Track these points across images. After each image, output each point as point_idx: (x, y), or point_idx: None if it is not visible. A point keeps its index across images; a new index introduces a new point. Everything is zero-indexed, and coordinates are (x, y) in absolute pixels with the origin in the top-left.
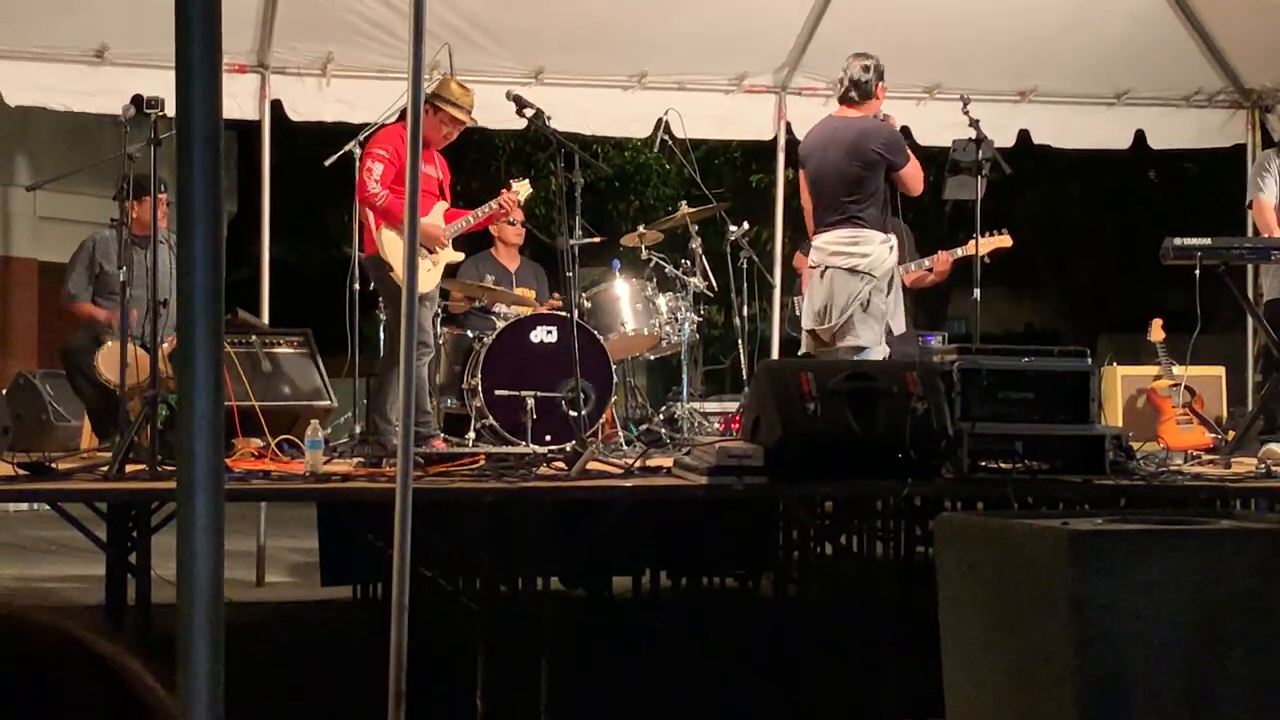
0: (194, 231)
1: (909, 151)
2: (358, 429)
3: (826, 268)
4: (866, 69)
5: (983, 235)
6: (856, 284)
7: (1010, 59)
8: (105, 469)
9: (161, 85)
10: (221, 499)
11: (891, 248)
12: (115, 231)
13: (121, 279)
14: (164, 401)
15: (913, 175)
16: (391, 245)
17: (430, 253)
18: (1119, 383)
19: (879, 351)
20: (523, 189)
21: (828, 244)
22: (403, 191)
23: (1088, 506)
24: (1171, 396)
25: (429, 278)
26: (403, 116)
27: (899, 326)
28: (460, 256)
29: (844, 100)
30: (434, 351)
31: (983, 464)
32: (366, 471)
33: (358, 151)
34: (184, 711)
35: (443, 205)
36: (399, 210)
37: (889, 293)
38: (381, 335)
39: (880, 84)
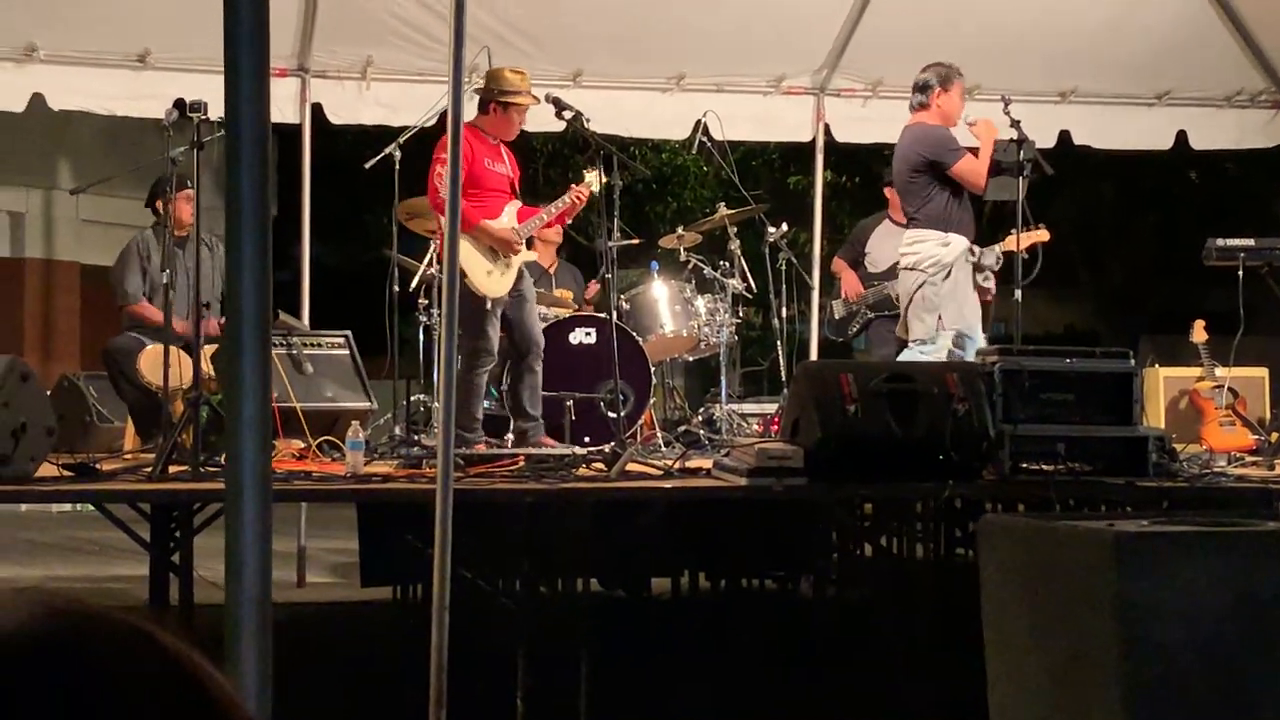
0: (242, 236)
1: (960, 149)
2: (398, 430)
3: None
4: (926, 78)
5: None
6: (910, 281)
7: (1051, 60)
8: (148, 470)
9: (203, 89)
10: (269, 501)
11: (945, 244)
12: (156, 233)
13: (164, 280)
14: (206, 403)
15: (968, 170)
16: (464, 252)
17: (502, 257)
18: (1161, 384)
19: (938, 344)
20: (595, 180)
21: (899, 249)
22: (474, 195)
23: (1131, 509)
24: (1214, 398)
25: (501, 282)
26: (442, 120)
27: (961, 320)
28: (533, 256)
29: (910, 109)
30: (495, 360)
31: (1024, 465)
32: (406, 472)
33: (398, 154)
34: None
35: (516, 204)
36: (471, 215)
37: (943, 285)
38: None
39: (939, 90)
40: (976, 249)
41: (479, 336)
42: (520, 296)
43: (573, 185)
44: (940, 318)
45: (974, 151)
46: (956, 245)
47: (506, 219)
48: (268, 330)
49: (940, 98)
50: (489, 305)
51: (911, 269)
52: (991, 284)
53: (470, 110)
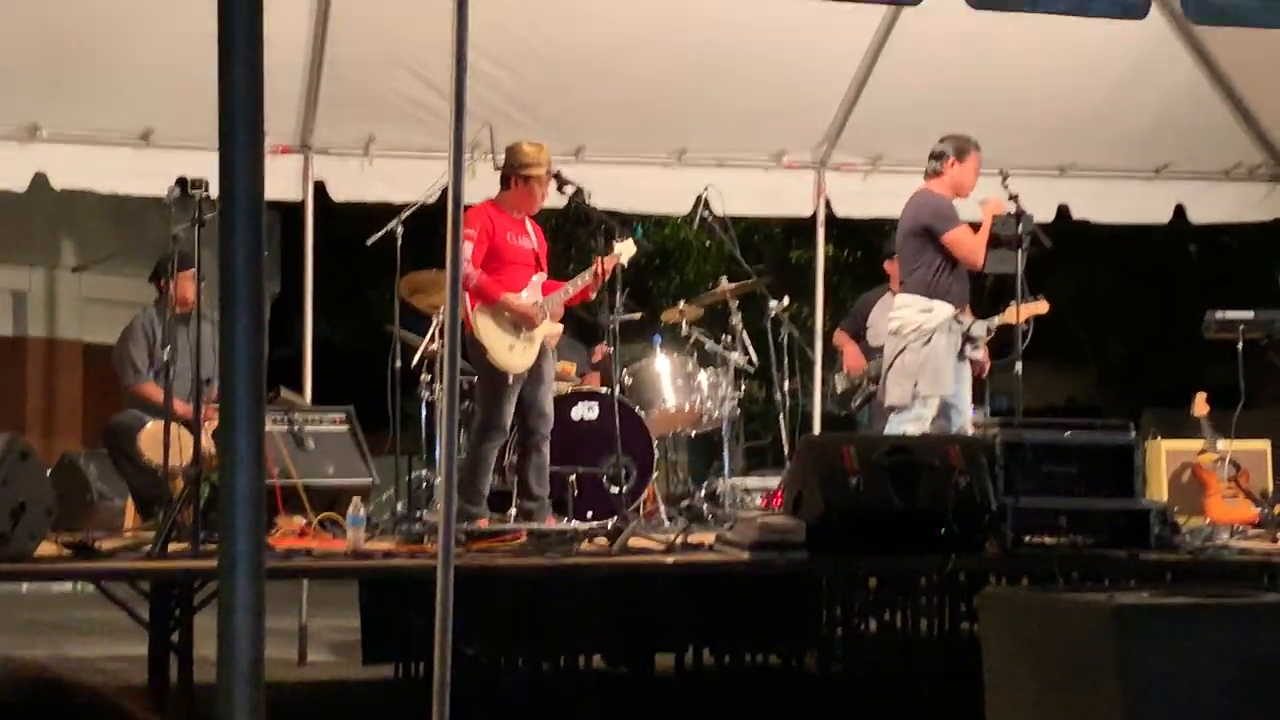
0: (236, 305)
1: (956, 219)
2: (399, 506)
3: None
4: (943, 148)
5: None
6: (891, 346)
7: (1050, 134)
8: (148, 548)
9: (206, 167)
10: (262, 576)
11: (927, 310)
12: (157, 311)
13: (165, 357)
14: (207, 480)
15: (960, 242)
16: (485, 327)
17: (525, 331)
18: (1163, 457)
19: (915, 411)
20: (626, 249)
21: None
22: (497, 269)
23: (1133, 581)
24: (1216, 471)
25: (523, 357)
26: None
27: (938, 388)
28: (559, 329)
29: (924, 176)
30: (506, 436)
31: (1027, 538)
32: (408, 548)
33: (400, 230)
34: None
35: (540, 277)
36: (493, 290)
37: (922, 352)
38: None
39: (952, 160)
40: (965, 319)
41: (494, 411)
42: (538, 374)
43: (597, 258)
44: (916, 384)
45: (976, 227)
46: (939, 313)
47: (530, 293)
48: (262, 403)
49: (953, 168)
50: (510, 380)
51: (894, 334)
52: (981, 355)
53: (472, 187)
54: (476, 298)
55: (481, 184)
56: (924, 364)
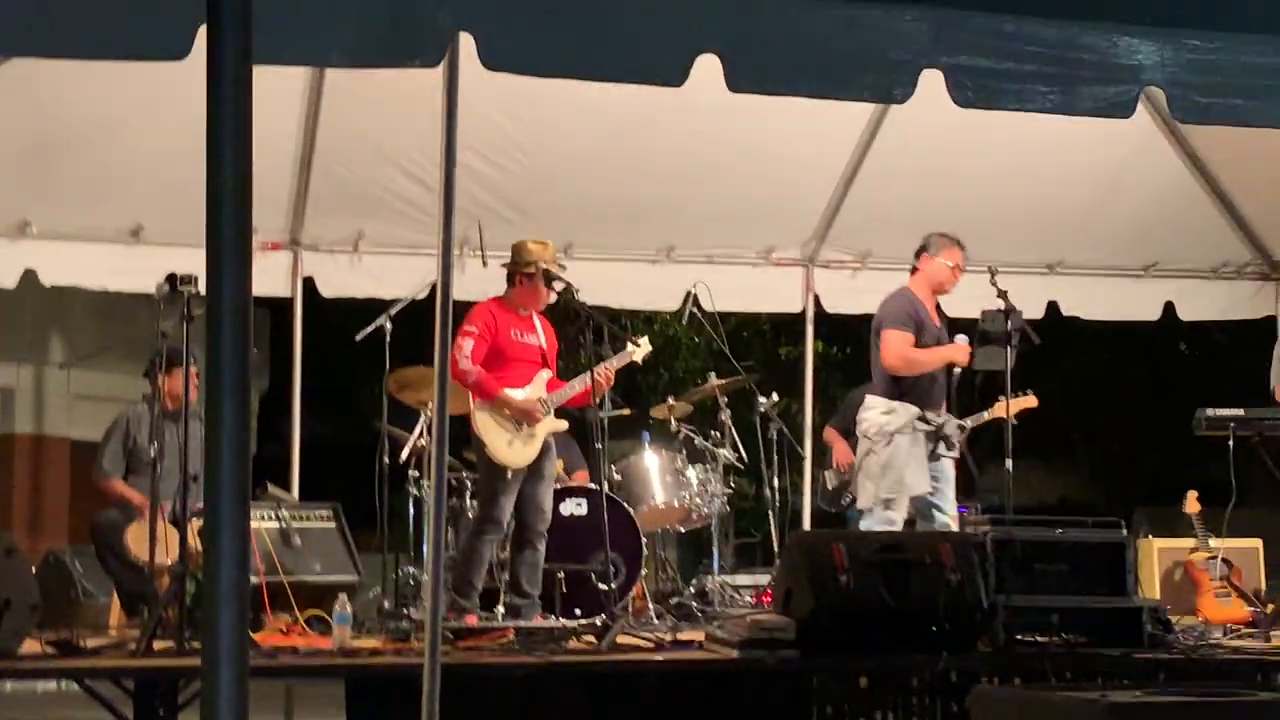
0: (222, 400)
1: (901, 320)
2: (386, 604)
3: None
4: (921, 243)
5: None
6: (860, 449)
7: (1038, 231)
8: (133, 646)
9: (195, 263)
10: (245, 671)
11: (889, 412)
12: (147, 406)
13: (152, 454)
14: (193, 578)
15: (888, 341)
16: (484, 423)
17: (526, 427)
18: (1155, 555)
19: (881, 514)
20: (640, 350)
21: None
22: (500, 366)
23: (1126, 680)
24: (1209, 569)
25: (523, 452)
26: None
27: (901, 489)
28: (563, 426)
29: None
30: (503, 532)
31: (1019, 637)
32: (395, 646)
33: (388, 326)
34: None
35: (545, 374)
36: (492, 386)
37: (884, 453)
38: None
39: (925, 255)
40: (934, 417)
41: (491, 505)
42: (538, 471)
43: (604, 363)
44: (879, 487)
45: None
46: (901, 414)
47: (534, 389)
48: (247, 499)
49: (926, 262)
50: (509, 475)
51: (861, 436)
52: (955, 454)
53: (461, 283)
54: (476, 393)
55: (470, 280)
56: (886, 466)
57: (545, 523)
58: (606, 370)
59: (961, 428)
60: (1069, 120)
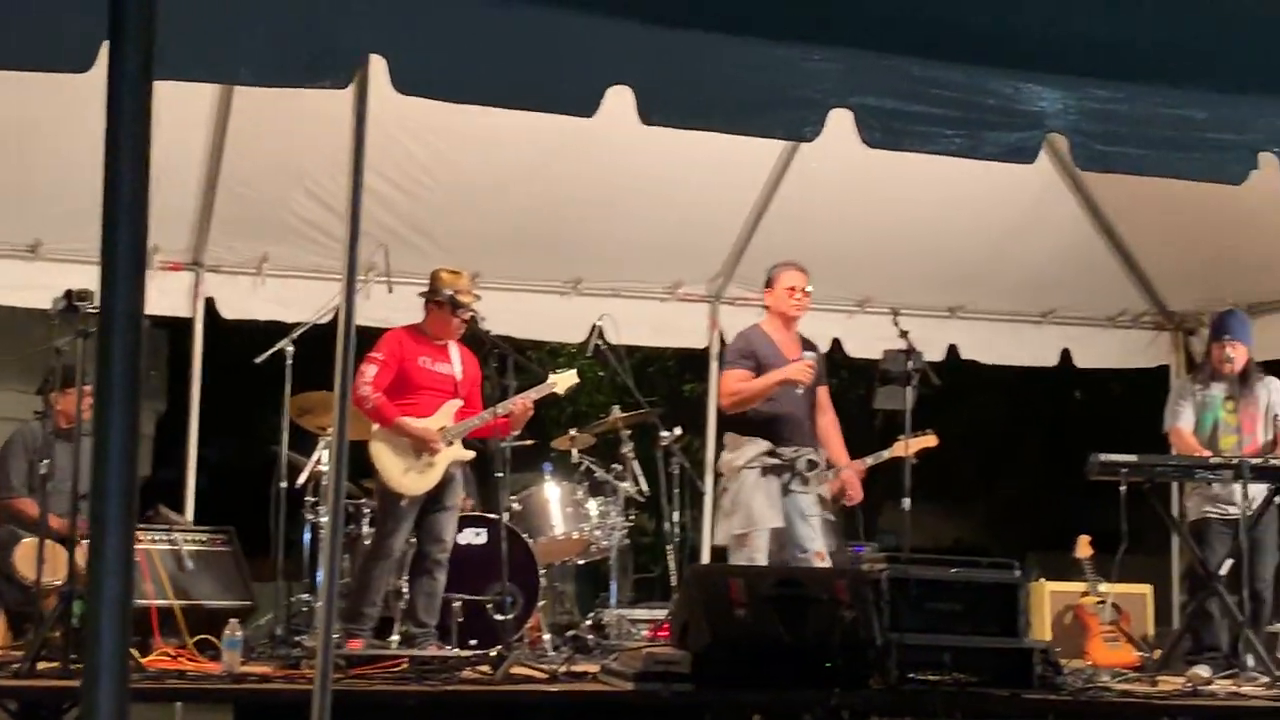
0: (111, 415)
1: (735, 359)
2: (278, 630)
3: None
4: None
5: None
6: (716, 490)
7: (940, 276)
8: (17, 666)
9: (93, 279)
10: (126, 691)
11: (736, 449)
12: (40, 424)
13: (42, 472)
14: (80, 597)
15: (725, 381)
16: (380, 450)
17: (425, 455)
18: (1047, 598)
19: (737, 550)
20: (564, 380)
21: None
22: (405, 394)
23: None
24: (1099, 614)
25: (420, 481)
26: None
27: (750, 524)
28: (469, 455)
29: None
30: (394, 560)
31: (911, 675)
32: (285, 672)
33: (290, 350)
34: None
35: (455, 404)
36: (389, 412)
37: (733, 490)
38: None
39: (767, 290)
40: (785, 451)
41: (386, 534)
42: (439, 499)
43: (519, 397)
44: (732, 522)
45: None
46: (747, 451)
47: (438, 418)
48: (133, 511)
49: (768, 296)
50: (403, 503)
51: (716, 476)
52: (824, 490)
53: (365, 309)
54: (374, 419)
55: (375, 306)
56: (734, 502)
57: (444, 552)
58: (525, 402)
59: (813, 463)
60: (974, 164)
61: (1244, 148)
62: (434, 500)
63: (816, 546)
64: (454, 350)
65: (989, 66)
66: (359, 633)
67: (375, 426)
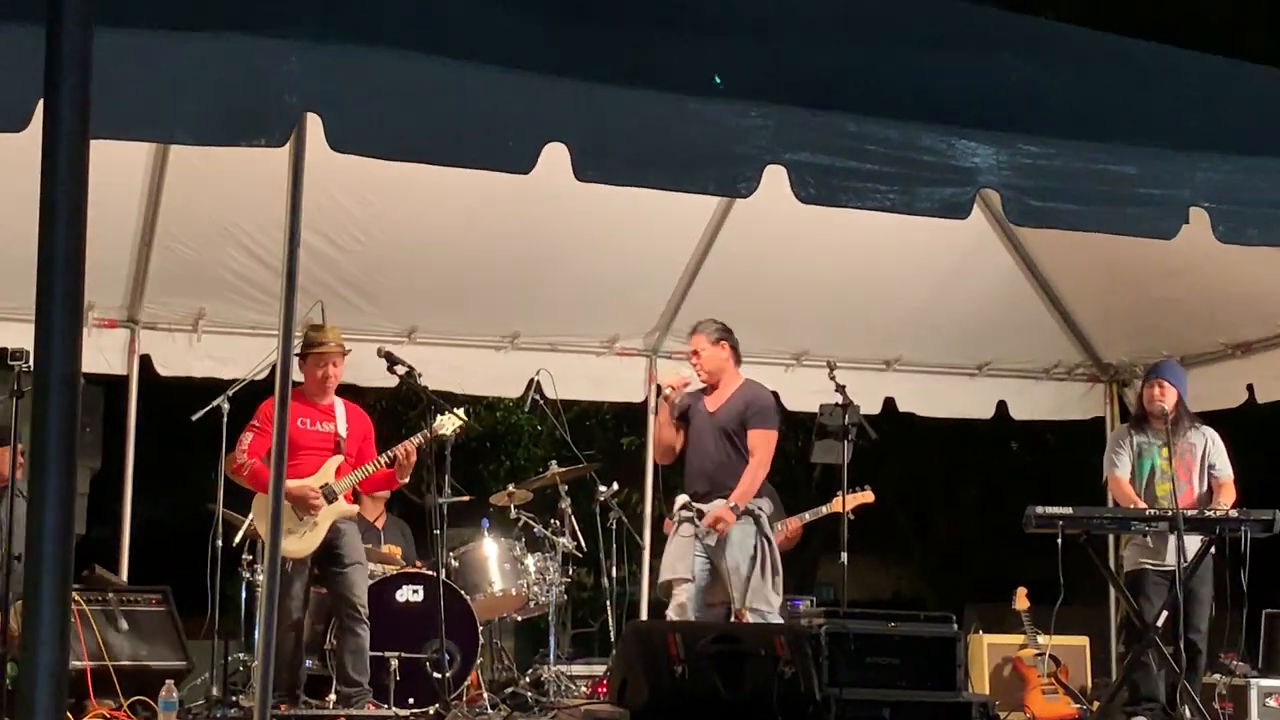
0: (47, 476)
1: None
2: (214, 690)
3: None
4: None
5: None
6: None
7: (876, 329)
8: None
9: (27, 337)
10: None
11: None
12: None
13: None
14: (12, 660)
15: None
16: (258, 515)
17: (308, 515)
18: (985, 651)
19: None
20: (448, 423)
21: None
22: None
23: None
24: (1037, 666)
25: (303, 542)
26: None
27: (671, 572)
28: (352, 510)
29: None
30: (299, 616)
31: None
32: None
33: (226, 407)
34: None
35: (335, 461)
36: (265, 475)
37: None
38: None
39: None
40: (695, 505)
41: (281, 596)
42: (339, 558)
43: (403, 444)
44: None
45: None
46: (677, 501)
47: (319, 476)
48: (69, 578)
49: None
50: (289, 566)
51: None
52: (711, 539)
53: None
54: (252, 485)
55: None
56: (671, 555)
57: (357, 608)
58: (407, 445)
59: (693, 509)
60: (908, 219)
61: (1175, 202)
62: (332, 559)
63: (692, 585)
64: (339, 408)
65: (922, 123)
66: (282, 700)
67: (256, 495)
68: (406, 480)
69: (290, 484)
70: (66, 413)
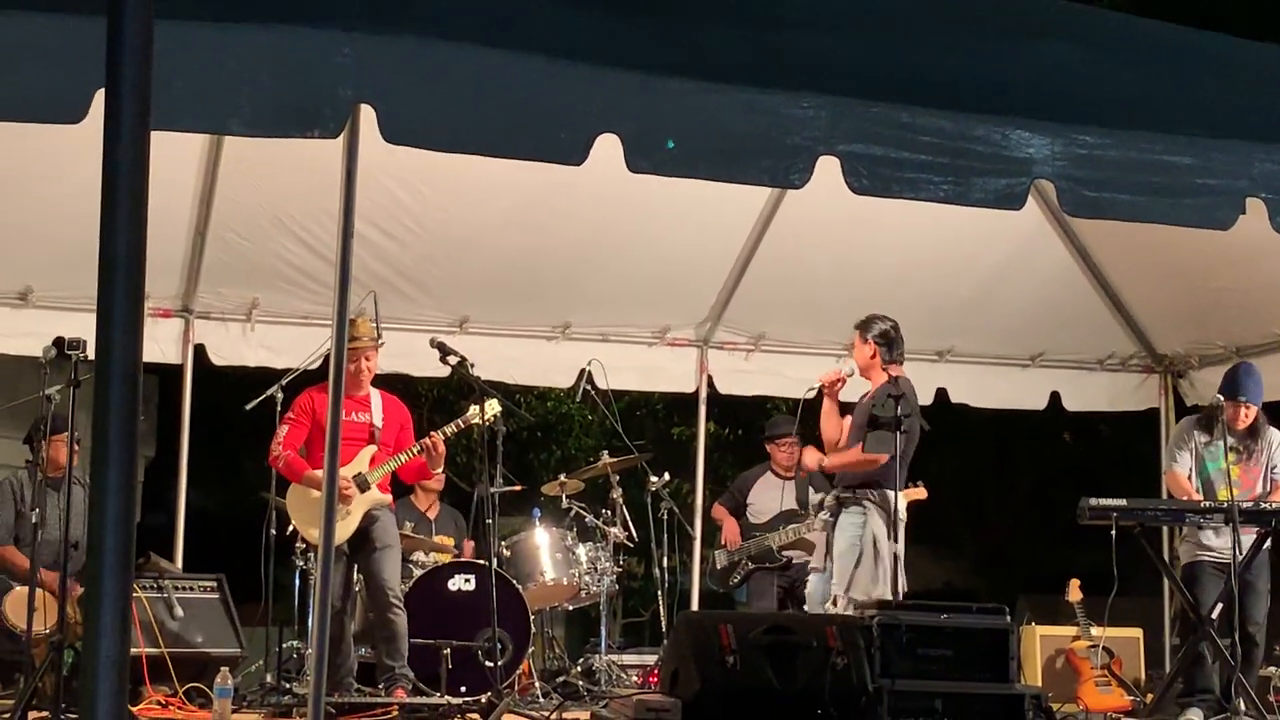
0: (108, 467)
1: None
2: (268, 677)
3: None
4: None
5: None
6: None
7: (928, 319)
8: (6, 716)
9: (84, 326)
10: None
11: None
12: (29, 473)
13: (33, 520)
14: (70, 647)
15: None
16: (293, 504)
17: (339, 504)
18: (1038, 642)
19: None
20: (488, 409)
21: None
22: (318, 446)
23: None
24: (1090, 658)
25: (336, 530)
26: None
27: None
28: (386, 499)
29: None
30: (340, 605)
31: None
32: None
33: (280, 396)
34: None
35: (369, 450)
36: (298, 467)
37: None
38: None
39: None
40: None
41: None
42: (370, 544)
43: (431, 434)
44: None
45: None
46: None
47: (352, 466)
48: (129, 569)
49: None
50: None
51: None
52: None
53: None
54: (287, 476)
55: None
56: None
57: (386, 591)
58: (435, 436)
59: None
60: (961, 210)
61: (1232, 193)
62: (365, 545)
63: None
64: (375, 398)
65: (977, 113)
66: (334, 688)
67: (291, 486)
68: (439, 470)
69: (315, 475)
70: (127, 405)
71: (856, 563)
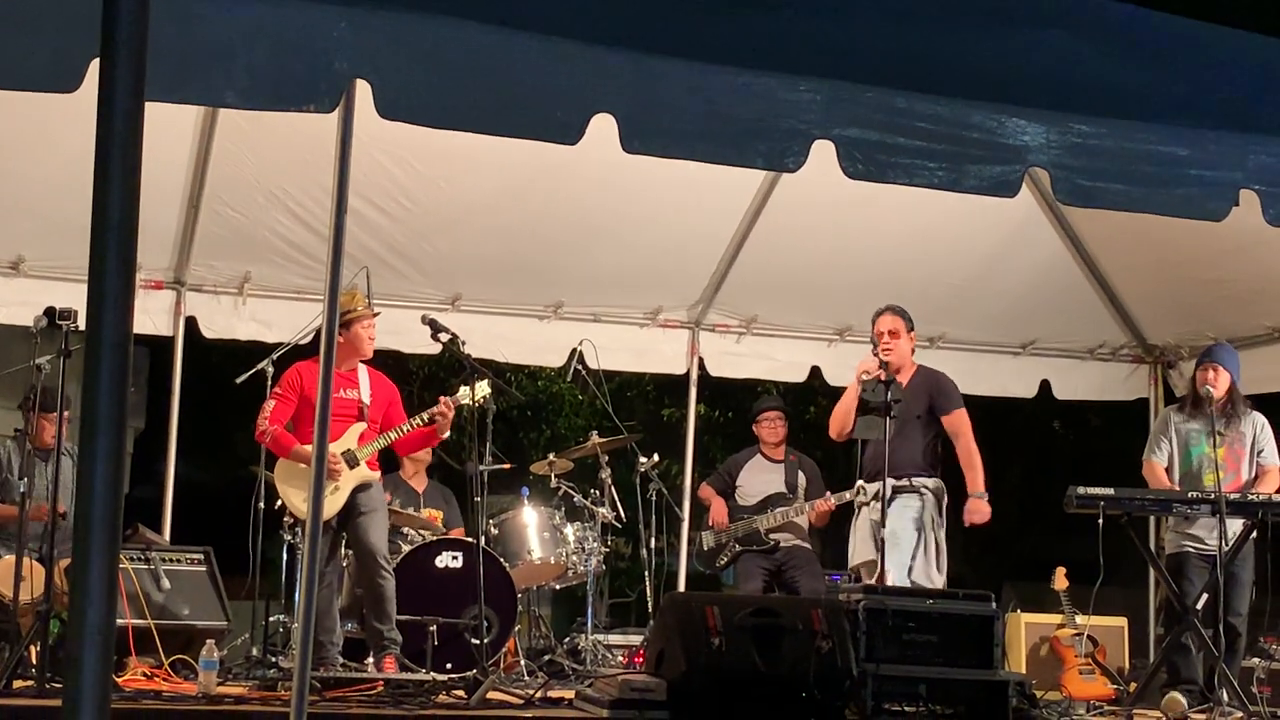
0: (97, 437)
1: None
2: (254, 650)
3: None
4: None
5: None
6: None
7: (920, 305)
8: None
9: (75, 297)
10: (107, 713)
11: None
12: (17, 442)
13: (21, 490)
14: (56, 616)
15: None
16: (281, 478)
17: (326, 479)
18: (1023, 630)
19: None
20: (479, 389)
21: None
22: (308, 422)
23: None
24: (1074, 646)
25: (325, 505)
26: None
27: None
28: (373, 475)
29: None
30: (331, 580)
31: (886, 706)
32: (261, 694)
33: (270, 370)
34: None
35: (359, 428)
36: (286, 442)
37: None
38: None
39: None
40: (866, 487)
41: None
42: (356, 509)
43: (442, 398)
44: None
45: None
46: (856, 486)
47: (341, 443)
48: (117, 538)
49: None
50: None
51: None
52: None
53: None
54: (275, 451)
55: None
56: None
57: (378, 558)
58: (446, 400)
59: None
60: (954, 196)
61: (1226, 184)
62: (349, 516)
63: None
64: (363, 375)
65: (972, 100)
66: (320, 663)
67: (279, 461)
68: (447, 435)
69: (304, 451)
70: (117, 376)
71: (917, 547)
